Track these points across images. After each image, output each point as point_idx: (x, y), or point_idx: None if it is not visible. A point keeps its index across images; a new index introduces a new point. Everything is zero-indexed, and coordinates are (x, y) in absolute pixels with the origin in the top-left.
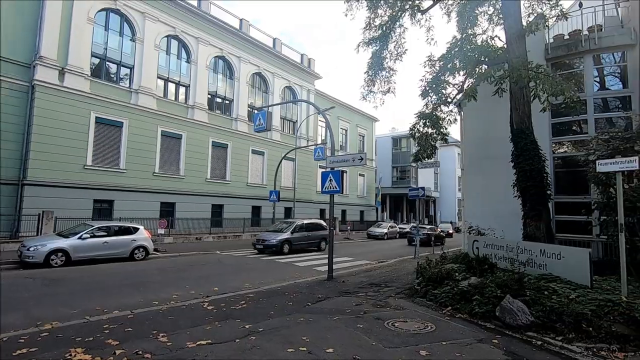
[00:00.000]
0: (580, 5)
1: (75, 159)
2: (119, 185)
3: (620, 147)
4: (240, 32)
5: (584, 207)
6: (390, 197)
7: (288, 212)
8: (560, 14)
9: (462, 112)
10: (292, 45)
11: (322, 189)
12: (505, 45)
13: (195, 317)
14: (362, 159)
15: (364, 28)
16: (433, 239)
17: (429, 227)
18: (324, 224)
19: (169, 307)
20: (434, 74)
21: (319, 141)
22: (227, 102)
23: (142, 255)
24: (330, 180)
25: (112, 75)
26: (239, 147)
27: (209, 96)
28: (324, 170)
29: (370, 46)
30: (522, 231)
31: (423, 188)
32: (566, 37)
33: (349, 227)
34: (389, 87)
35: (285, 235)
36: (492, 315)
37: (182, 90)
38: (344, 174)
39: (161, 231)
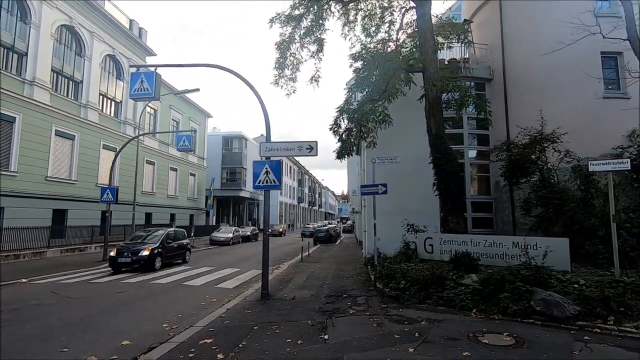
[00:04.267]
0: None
1: None
2: None
3: (520, 152)
4: None
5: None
6: (219, 200)
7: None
8: (465, 39)
9: None
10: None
11: (253, 183)
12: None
13: None
14: (311, 148)
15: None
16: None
17: (329, 225)
18: (184, 232)
19: None
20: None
21: (147, 130)
22: (16, 55)
23: None
24: (267, 172)
25: None
26: (35, 124)
27: None
28: (256, 160)
29: (288, 24)
30: (442, 227)
31: (385, 185)
32: (446, 62)
33: (192, 234)
34: (313, 75)
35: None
36: (531, 311)
37: None
38: (175, 173)
39: None
